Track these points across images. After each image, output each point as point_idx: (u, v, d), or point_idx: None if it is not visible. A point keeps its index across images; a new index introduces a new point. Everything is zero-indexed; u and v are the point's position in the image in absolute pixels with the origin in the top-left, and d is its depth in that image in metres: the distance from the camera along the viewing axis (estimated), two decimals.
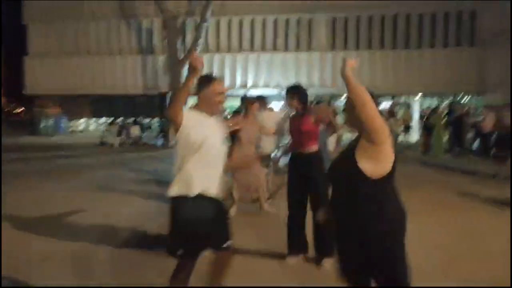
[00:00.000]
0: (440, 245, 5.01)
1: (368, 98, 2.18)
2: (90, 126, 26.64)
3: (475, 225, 5.88)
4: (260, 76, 22.03)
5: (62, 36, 24.04)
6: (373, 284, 2.41)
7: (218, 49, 22.73)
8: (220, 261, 3.06)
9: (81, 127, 26.90)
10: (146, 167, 11.72)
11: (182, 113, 2.80)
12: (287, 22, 22.24)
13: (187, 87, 2.73)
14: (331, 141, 6.73)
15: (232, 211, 6.04)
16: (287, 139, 6.08)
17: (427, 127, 15.01)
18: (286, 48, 22.31)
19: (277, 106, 14.27)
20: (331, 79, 21.55)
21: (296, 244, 4.42)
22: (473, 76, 20.35)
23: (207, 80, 2.99)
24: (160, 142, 19.56)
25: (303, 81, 21.54)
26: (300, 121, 4.37)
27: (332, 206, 2.51)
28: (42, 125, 25.59)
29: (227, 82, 21.95)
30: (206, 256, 3.04)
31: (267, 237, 5.18)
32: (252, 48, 22.53)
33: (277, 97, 17.13)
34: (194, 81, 2.80)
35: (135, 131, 19.49)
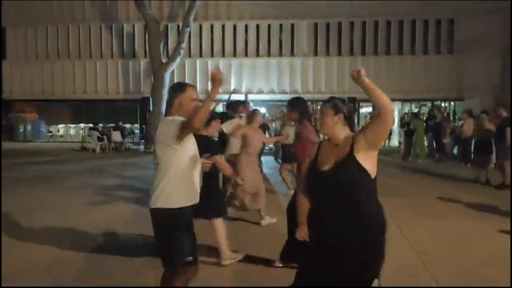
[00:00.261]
0: (425, 249, 5.05)
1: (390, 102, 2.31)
2: (70, 131, 26.21)
3: (458, 230, 5.94)
4: (243, 82, 22.04)
5: (42, 40, 23.70)
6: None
7: (200, 55, 22.67)
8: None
9: (61, 132, 26.44)
10: (127, 173, 11.59)
11: None
12: (269, 27, 22.33)
13: (212, 100, 2.80)
14: None
15: (265, 221, 6.05)
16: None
17: (408, 132, 15.20)
18: (268, 54, 22.39)
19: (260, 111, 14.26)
20: (313, 85, 21.71)
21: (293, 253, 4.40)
22: (452, 82, 20.76)
23: (181, 87, 3.03)
24: (142, 147, 19.35)
25: (286, 87, 21.76)
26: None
27: (322, 212, 2.51)
28: (20, 130, 25.10)
29: (209, 87, 21.90)
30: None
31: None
32: (234, 54, 22.54)
33: (260, 102, 17.17)
34: (218, 92, 2.86)
35: (116, 136, 19.27)
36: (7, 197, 7.82)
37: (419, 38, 21.55)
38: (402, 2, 20.51)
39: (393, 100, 21.31)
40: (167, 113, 3.01)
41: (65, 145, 21.61)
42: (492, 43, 20.00)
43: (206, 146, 4.12)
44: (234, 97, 10.79)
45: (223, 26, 22.54)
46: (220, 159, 4.38)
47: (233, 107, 7.64)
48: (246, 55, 22.45)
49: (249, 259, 4.58)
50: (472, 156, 11.22)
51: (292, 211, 4.36)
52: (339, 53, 21.96)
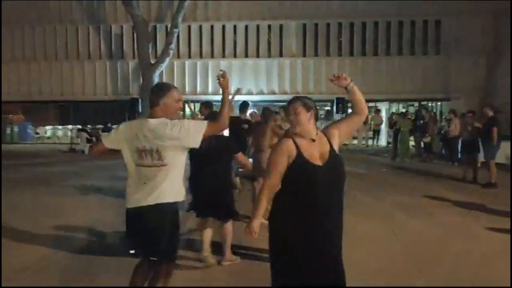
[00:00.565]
0: (415, 248, 5.16)
1: None
2: (58, 132, 25.97)
3: (446, 228, 6.05)
4: (232, 83, 21.98)
5: (29, 41, 23.43)
6: None
7: (189, 56, 22.64)
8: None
9: (48, 134, 26.20)
10: (119, 173, 11.53)
11: None
12: (257, 28, 22.40)
13: (229, 102, 3.12)
14: None
15: None
16: None
17: (396, 132, 15.35)
18: (257, 55, 22.46)
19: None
20: (302, 85, 21.83)
21: None
22: (439, 82, 21.01)
23: (165, 89, 3.07)
24: None
25: (274, 88, 21.85)
26: None
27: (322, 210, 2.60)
28: (7, 132, 24.81)
29: (198, 88, 21.93)
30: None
31: None
32: (223, 55, 22.57)
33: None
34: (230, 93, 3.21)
35: None
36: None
37: (406, 39, 21.76)
38: (389, 2, 20.69)
39: (381, 100, 21.61)
40: (151, 114, 3.02)
41: (53, 146, 21.41)
42: (478, 44, 20.35)
43: (228, 145, 4.41)
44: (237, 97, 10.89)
45: (211, 27, 22.54)
46: (242, 157, 4.61)
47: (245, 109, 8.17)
48: (235, 56, 22.45)
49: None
50: (459, 155, 11.41)
51: None
52: (328, 53, 22.09)
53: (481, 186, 9.38)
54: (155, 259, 3.06)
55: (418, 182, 10.26)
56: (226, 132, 6.40)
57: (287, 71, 22.13)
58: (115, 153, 3.12)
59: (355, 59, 21.76)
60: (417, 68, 21.19)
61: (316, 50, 22.25)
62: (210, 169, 4.29)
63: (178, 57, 22.21)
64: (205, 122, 3.00)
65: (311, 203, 2.56)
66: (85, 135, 18.52)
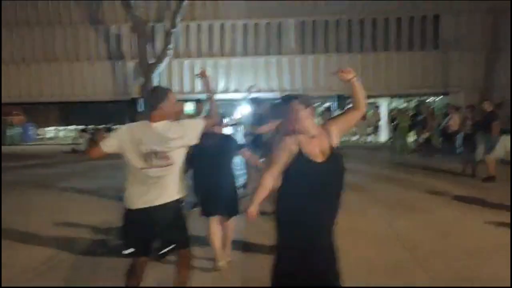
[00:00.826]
0: (415, 243, 5.20)
1: None
2: (59, 133, 26.03)
3: (446, 222, 6.12)
4: (231, 81, 22.11)
5: (29, 42, 23.45)
6: None
7: (188, 55, 22.66)
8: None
9: (50, 135, 26.26)
10: (122, 174, 11.59)
11: None
12: (256, 26, 22.42)
13: (214, 98, 3.55)
14: None
15: None
16: None
17: (395, 128, 15.40)
18: (256, 53, 22.47)
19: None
20: (301, 83, 21.85)
21: None
22: (437, 78, 21.05)
23: (164, 92, 3.18)
24: None
25: (273, 85, 21.88)
26: None
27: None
28: (8, 133, 24.87)
29: (197, 87, 21.95)
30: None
31: None
32: (222, 53, 22.59)
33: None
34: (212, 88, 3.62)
35: None
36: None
37: (405, 35, 21.77)
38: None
39: (380, 96, 21.62)
40: (152, 118, 3.09)
41: (55, 147, 21.47)
42: (477, 40, 20.39)
43: (230, 143, 4.51)
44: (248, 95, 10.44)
45: (210, 26, 22.56)
46: (246, 152, 4.73)
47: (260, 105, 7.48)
48: (234, 54, 22.50)
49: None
50: (459, 150, 11.44)
51: None
52: (326, 51, 22.11)
53: (481, 180, 9.43)
54: (172, 247, 3.21)
55: (418, 177, 10.26)
56: (228, 131, 6.49)
57: (286, 68, 22.15)
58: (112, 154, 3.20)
59: (354, 55, 21.76)
60: (416, 63, 21.20)
61: (315, 47, 22.26)
62: (213, 167, 4.35)
63: (177, 56, 22.20)
64: (201, 119, 3.38)
65: (311, 199, 2.60)
66: (87, 135, 18.61)
